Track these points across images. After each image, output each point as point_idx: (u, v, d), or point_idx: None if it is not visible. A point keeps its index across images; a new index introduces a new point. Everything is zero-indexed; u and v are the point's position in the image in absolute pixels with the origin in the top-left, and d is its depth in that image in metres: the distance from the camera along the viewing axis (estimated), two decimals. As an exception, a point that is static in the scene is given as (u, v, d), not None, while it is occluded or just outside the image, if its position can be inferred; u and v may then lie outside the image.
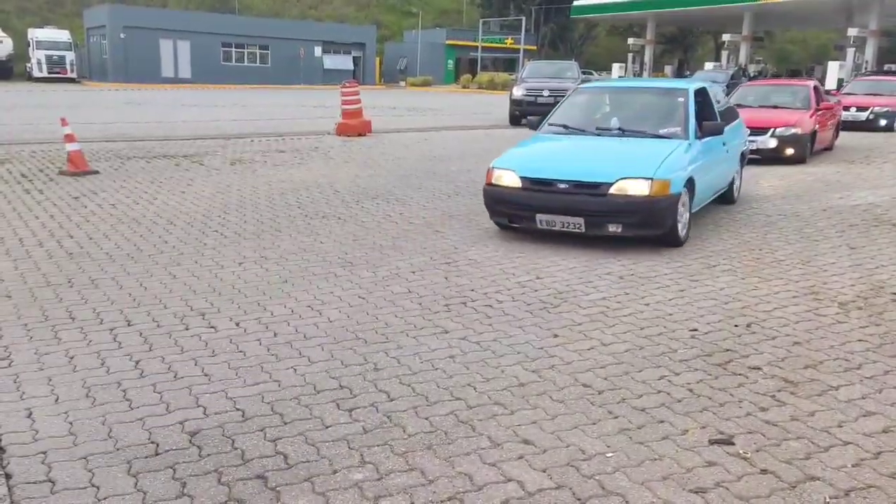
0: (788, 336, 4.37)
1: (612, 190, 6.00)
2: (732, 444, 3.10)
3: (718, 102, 8.27)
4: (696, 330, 4.48)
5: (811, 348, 4.18)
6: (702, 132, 6.91)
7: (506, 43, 58.84)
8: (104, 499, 2.62)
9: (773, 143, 11.85)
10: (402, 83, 55.40)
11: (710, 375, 3.80)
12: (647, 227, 6.08)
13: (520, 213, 6.40)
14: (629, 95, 8.21)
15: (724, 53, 46.03)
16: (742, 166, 8.73)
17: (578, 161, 6.57)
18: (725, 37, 45.47)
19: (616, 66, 50.85)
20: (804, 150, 12.06)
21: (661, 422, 3.29)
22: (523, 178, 6.34)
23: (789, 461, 2.96)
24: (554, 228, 6.25)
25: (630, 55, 52.56)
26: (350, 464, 2.90)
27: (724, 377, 3.78)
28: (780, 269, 5.87)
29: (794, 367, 3.91)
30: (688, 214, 6.51)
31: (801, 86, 13.88)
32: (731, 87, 29.18)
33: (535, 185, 6.29)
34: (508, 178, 6.45)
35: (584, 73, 33.04)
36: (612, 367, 3.90)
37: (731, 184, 8.27)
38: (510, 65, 58.04)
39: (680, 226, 6.31)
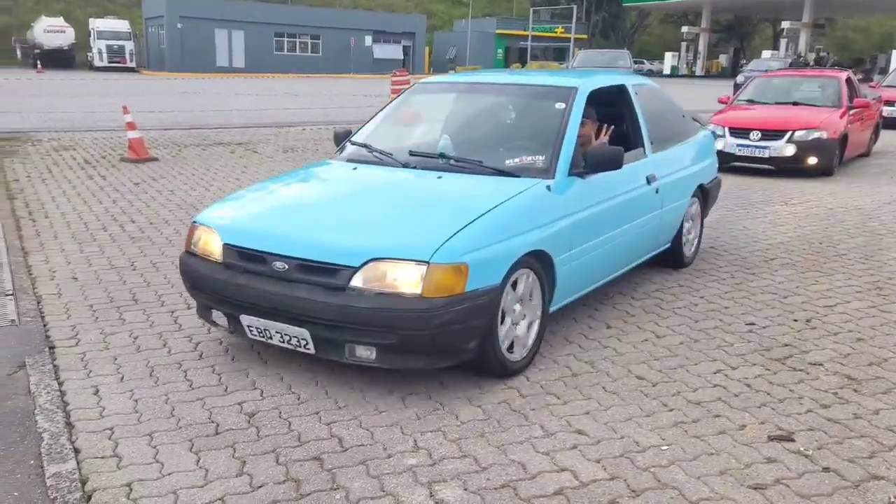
0: (851, 332, 4.24)
1: (357, 281, 3.17)
2: (793, 440, 3.03)
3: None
4: (753, 324, 4.39)
5: (875, 345, 4.05)
6: (585, 165, 4.00)
7: (556, 32, 58.23)
8: (169, 474, 2.71)
9: (790, 151, 9.48)
10: (451, 72, 55.37)
11: (769, 370, 3.72)
12: (417, 354, 3.24)
13: (219, 306, 3.55)
14: (483, 98, 4.83)
15: (783, 42, 44.74)
16: (707, 205, 5.83)
17: (318, 219, 3.59)
18: (784, 24, 44.21)
19: (669, 55, 49.95)
20: (830, 158, 9.68)
21: (718, 416, 3.24)
22: (227, 246, 3.52)
23: (852, 459, 2.88)
24: (271, 342, 3.44)
25: (683, 44, 51.57)
26: (404, 448, 2.94)
27: (783, 372, 3.70)
28: (842, 262, 5.70)
29: (858, 364, 3.80)
30: (535, 324, 3.70)
31: (829, 78, 11.06)
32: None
33: (242, 259, 3.47)
34: (209, 243, 3.62)
35: (635, 62, 32.53)
36: (666, 360, 3.85)
37: (678, 238, 5.33)
38: (560, 54, 57.43)
39: (504, 349, 3.49)
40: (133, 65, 46.70)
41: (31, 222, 6.57)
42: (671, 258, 5.37)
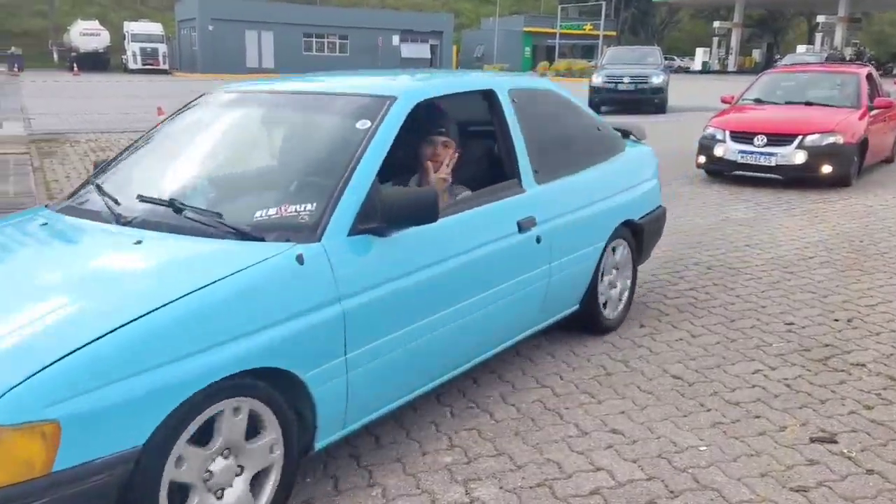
0: (894, 332, 4.15)
1: None
2: (836, 442, 2.97)
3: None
4: (792, 324, 4.31)
5: (920, 346, 3.96)
6: (381, 217, 2.59)
7: (584, 29, 57.80)
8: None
9: (800, 158, 8.38)
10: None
11: (809, 371, 3.65)
12: None
13: None
14: (270, 114, 3.35)
15: (818, 36, 43.91)
16: (644, 247, 4.43)
17: None
18: (820, 18, 43.40)
19: (700, 51, 49.34)
20: (848, 166, 8.52)
21: (758, 417, 3.18)
22: None
23: (898, 462, 2.81)
24: None
25: (715, 39, 50.90)
26: (439, 447, 2.93)
27: (824, 373, 3.62)
28: (884, 261, 5.57)
29: (901, 365, 3.71)
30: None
31: (848, 74, 9.85)
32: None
33: None
34: None
35: (666, 59, 32.18)
36: (702, 360, 3.80)
37: (591, 296, 3.93)
38: (588, 52, 57.00)
39: None
40: (166, 67, 47.40)
41: (70, 222, 6.69)
42: (584, 322, 4.03)
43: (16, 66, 39.36)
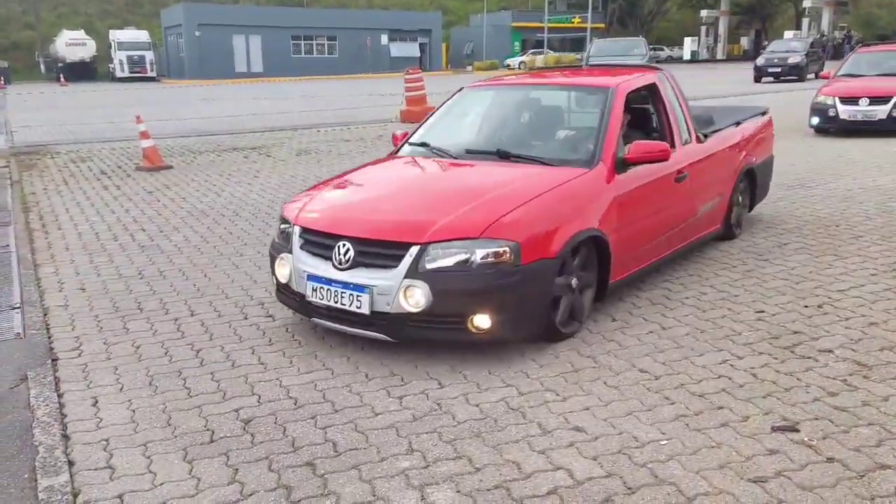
0: (864, 317, 4.12)
1: None
2: (797, 431, 2.94)
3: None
4: (762, 312, 4.28)
5: (889, 329, 3.93)
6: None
7: (573, 22, 57.77)
8: (160, 484, 2.71)
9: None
10: (469, 68, 55.19)
11: (776, 359, 3.63)
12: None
13: None
14: None
15: (805, 21, 43.86)
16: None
17: None
18: (806, 3, 43.30)
19: (688, 40, 49.29)
20: None
21: (721, 408, 3.16)
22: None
23: (858, 449, 2.79)
24: None
25: (703, 28, 50.85)
26: (398, 451, 2.90)
27: (791, 361, 3.60)
28: (858, 245, 5.55)
29: (869, 350, 3.68)
30: None
31: None
32: (809, 56, 27.91)
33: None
34: None
35: (653, 49, 32.11)
36: (671, 352, 3.77)
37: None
38: (577, 44, 56.96)
39: None
40: (153, 74, 47.32)
41: (44, 234, 6.66)
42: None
43: (1, 78, 39.25)
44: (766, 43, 40.35)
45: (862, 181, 8.04)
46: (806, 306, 4.33)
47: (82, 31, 49.20)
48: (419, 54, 55.05)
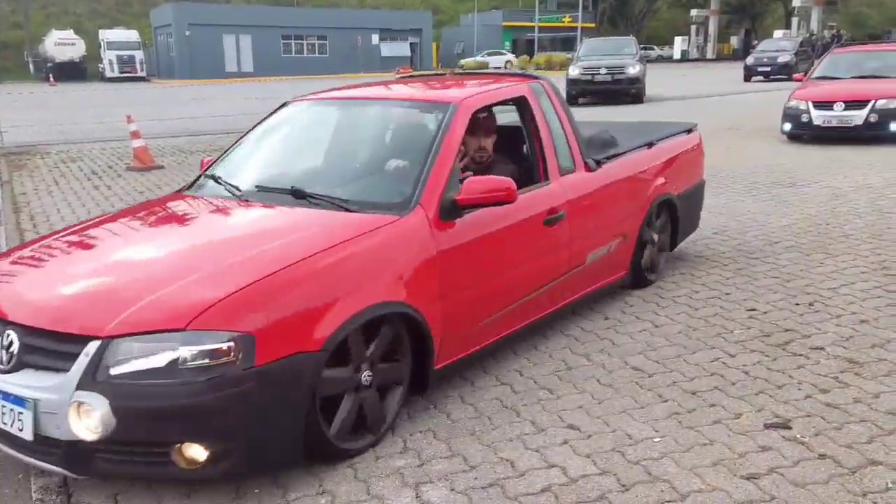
0: (855, 314, 4.16)
1: None
2: (789, 428, 2.96)
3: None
4: (754, 310, 4.31)
5: (879, 326, 3.97)
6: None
7: (563, 21, 57.84)
8: (156, 485, 2.70)
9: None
10: (460, 67, 55.25)
11: (768, 357, 3.65)
12: None
13: None
14: None
15: (795, 20, 44.10)
16: None
17: None
18: (795, 2, 43.53)
19: (678, 40, 49.48)
20: None
21: (713, 405, 3.18)
22: None
23: (850, 445, 2.81)
24: None
25: (693, 27, 51.05)
26: (393, 451, 2.91)
27: (782, 358, 3.62)
28: (849, 243, 5.59)
29: (860, 347, 3.71)
30: None
31: None
32: (799, 55, 28.07)
33: None
34: None
35: (643, 48, 32.19)
36: (663, 350, 3.79)
37: None
38: (568, 44, 57.00)
39: None
40: (144, 74, 47.10)
41: (35, 235, 6.61)
42: None
43: (-10, 79, 39.02)
44: (756, 42, 40.58)
45: (853, 179, 8.09)
46: (797, 304, 4.36)
47: (71, 30, 48.91)
48: (410, 54, 55.01)
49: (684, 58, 54.23)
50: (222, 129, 15.61)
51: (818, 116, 10.67)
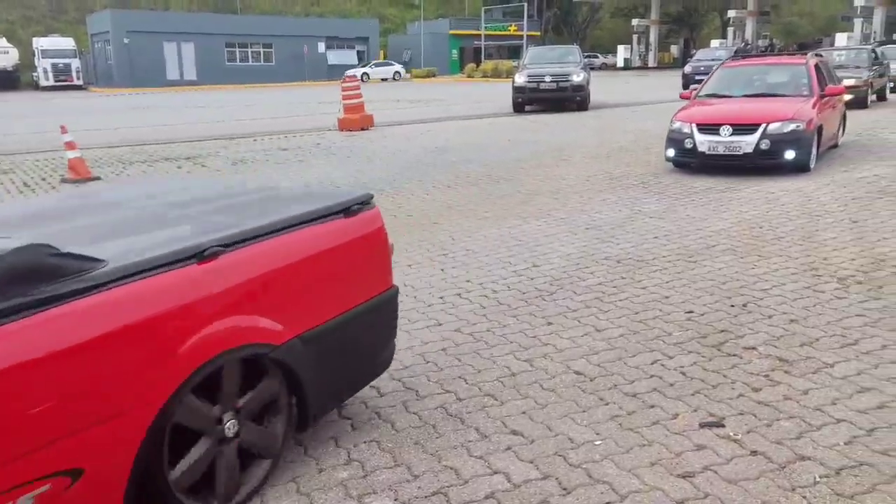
0: (785, 314, 4.31)
1: None
2: (723, 426, 3.06)
3: None
4: (692, 312, 4.43)
5: (808, 325, 4.12)
6: None
7: (509, 30, 58.48)
8: None
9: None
10: (407, 75, 55.26)
11: (704, 357, 3.76)
12: None
13: None
14: None
15: (730, 30, 45.55)
16: None
17: None
18: (731, 13, 44.97)
19: (621, 48, 50.52)
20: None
21: (653, 407, 3.26)
22: None
23: (780, 441, 2.91)
24: None
25: (635, 36, 52.22)
26: (336, 462, 2.89)
27: (717, 359, 3.74)
28: (780, 246, 5.79)
29: (790, 346, 3.85)
30: None
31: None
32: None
33: None
34: None
35: (588, 56, 32.81)
36: (605, 353, 3.87)
37: None
38: (514, 52, 57.66)
39: None
40: (80, 83, 45.81)
41: (-36, 251, 6.37)
42: None
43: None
44: (694, 51, 41.75)
45: (782, 184, 8.39)
46: (732, 306, 4.50)
47: (3, 38, 47.24)
48: (357, 62, 54.84)
49: (627, 66, 55.42)
50: (163, 139, 15.29)
51: (703, 142, 8.88)
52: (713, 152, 8.88)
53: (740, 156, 8.76)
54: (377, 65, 50.55)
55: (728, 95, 10.02)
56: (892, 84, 19.50)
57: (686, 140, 9.08)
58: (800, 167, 8.79)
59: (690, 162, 9.26)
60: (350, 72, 48.68)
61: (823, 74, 10.22)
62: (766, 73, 10.39)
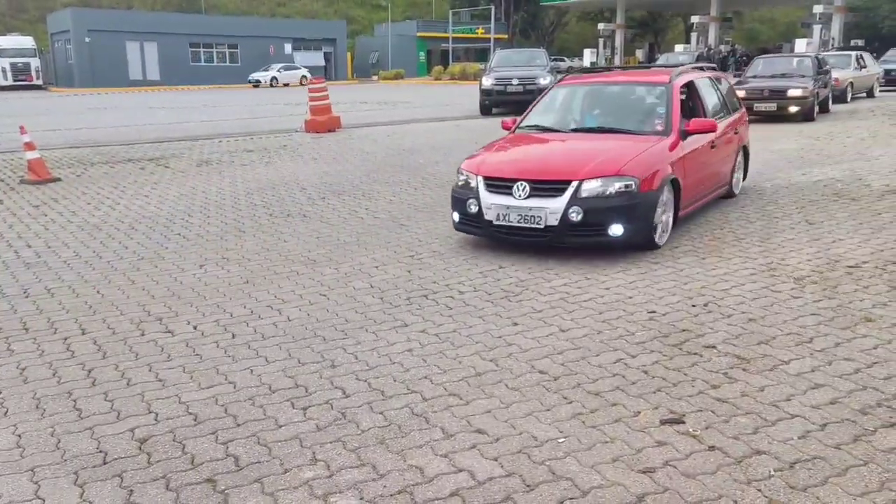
0: (744, 314, 4.41)
1: None
2: (683, 422, 3.12)
3: None
4: (654, 312, 4.51)
5: (765, 324, 4.23)
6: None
7: (477, 33, 58.74)
8: (49, 510, 2.59)
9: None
10: (375, 77, 55.16)
11: (666, 356, 3.83)
12: None
13: None
14: None
15: (694, 35, 46.27)
16: None
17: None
18: (694, 19, 45.69)
19: (587, 52, 51.00)
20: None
21: (615, 405, 3.31)
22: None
23: (737, 436, 2.99)
24: None
25: (601, 40, 52.77)
26: (301, 462, 2.89)
27: (678, 357, 3.81)
28: (740, 247, 5.92)
29: (748, 344, 3.95)
30: None
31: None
32: (698, 68, 29.39)
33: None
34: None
35: (554, 59, 33.08)
36: (569, 353, 3.92)
37: None
38: (482, 55, 57.95)
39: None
40: (40, 82, 44.90)
41: (-82, 253, 6.21)
42: None
43: None
44: (658, 56, 42.34)
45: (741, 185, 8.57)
46: (693, 305, 4.60)
47: (-41, 35, 46.09)
48: (324, 63, 54.57)
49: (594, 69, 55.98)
50: (126, 139, 15.05)
51: (491, 206, 5.73)
52: (503, 222, 5.70)
53: (541, 230, 5.58)
54: (286, 69, 48.97)
55: (555, 129, 6.85)
56: (839, 93, 17.96)
57: (470, 201, 5.89)
58: (637, 245, 5.74)
59: (475, 232, 6.08)
60: (253, 75, 45.79)
61: (700, 99, 7.05)
62: (613, 97, 7.06)
